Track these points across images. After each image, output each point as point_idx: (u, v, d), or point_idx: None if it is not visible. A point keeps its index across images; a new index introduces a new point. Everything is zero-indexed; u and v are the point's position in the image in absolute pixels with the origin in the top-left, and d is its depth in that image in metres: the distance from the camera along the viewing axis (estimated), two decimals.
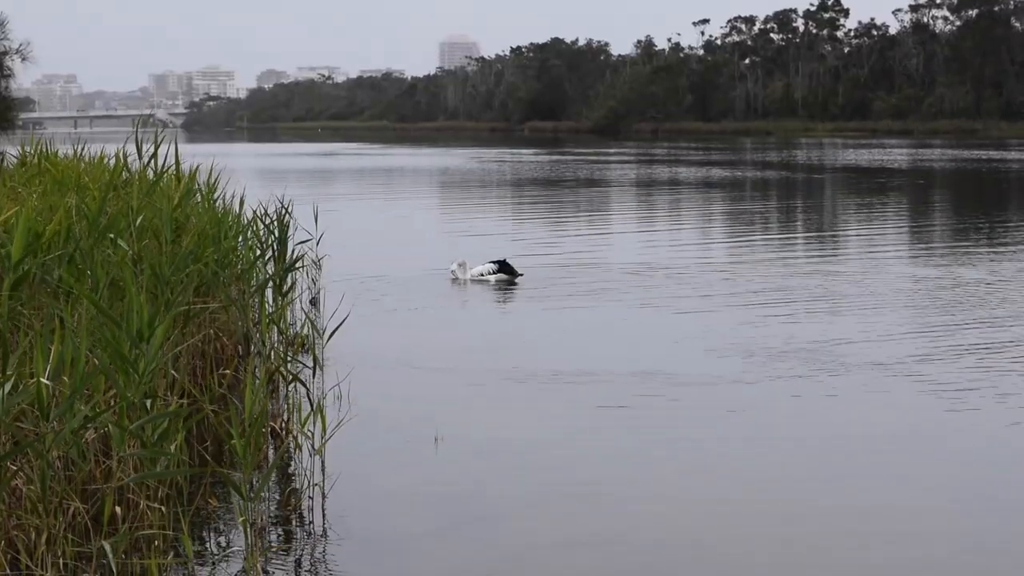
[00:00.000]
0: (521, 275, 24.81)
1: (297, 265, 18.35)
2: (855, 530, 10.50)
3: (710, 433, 13.44)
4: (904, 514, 10.96)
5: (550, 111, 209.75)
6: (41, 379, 8.83)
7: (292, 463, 12.05)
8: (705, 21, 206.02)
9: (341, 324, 14.99)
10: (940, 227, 38.91)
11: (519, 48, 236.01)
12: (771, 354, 17.14)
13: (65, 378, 9.45)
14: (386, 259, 28.46)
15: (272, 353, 14.78)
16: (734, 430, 13.55)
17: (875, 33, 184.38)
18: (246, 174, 57.51)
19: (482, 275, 24.80)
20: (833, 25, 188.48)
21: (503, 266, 24.77)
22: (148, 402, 9.74)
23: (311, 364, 15.59)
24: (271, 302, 17.03)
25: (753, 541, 10.27)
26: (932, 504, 11.25)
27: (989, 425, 13.72)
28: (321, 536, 10.20)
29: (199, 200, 18.16)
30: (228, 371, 14.04)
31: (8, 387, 8.73)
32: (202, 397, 11.99)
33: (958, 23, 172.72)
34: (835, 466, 12.32)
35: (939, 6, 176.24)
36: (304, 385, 12.98)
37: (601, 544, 10.16)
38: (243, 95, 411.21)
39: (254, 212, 19.00)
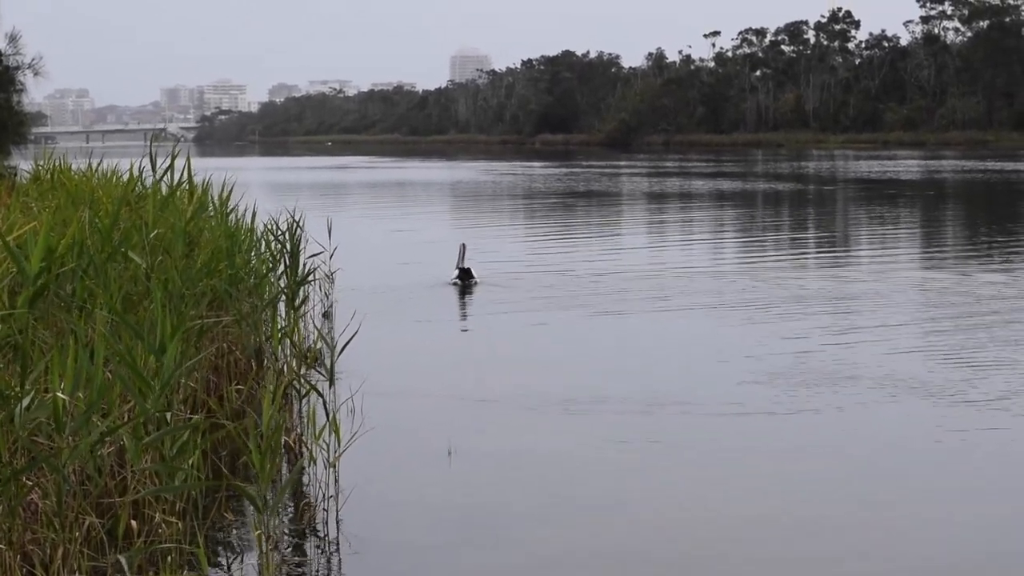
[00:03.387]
0: (476, 282, 26.53)
1: (309, 278, 18.39)
2: (878, 547, 10.50)
3: (727, 449, 13.43)
4: (933, 531, 10.96)
5: (561, 124, 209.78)
6: (58, 393, 8.85)
7: (306, 477, 12.07)
8: (716, 33, 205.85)
9: (353, 337, 15.02)
10: (952, 239, 38.85)
11: (530, 61, 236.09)
12: (783, 368, 17.11)
13: (80, 394, 9.47)
14: (398, 272, 28.50)
15: (285, 367, 14.82)
16: (751, 445, 13.54)
17: (886, 44, 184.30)
18: (258, 188, 57.60)
19: (451, 279, 26.78)
20: (844, 37, 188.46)
21: (462, 273, 26.82)
22: (167, 416, 9.77)
23: (324, 377, 15.60)
24: (284, 316, 17.07)
25: (767, 557, 10.27)
26: (959, 522, 11.25)
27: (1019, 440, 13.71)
28: (335, 549, 10.23)
29: (212, 214, 18.22)
30: (242, 385, 14.07)
31: (26, 402, 8.76)
32: (217, 411, 12.02)
33: (969, 34, 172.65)
34: (858, 483, 12.28)
35: (950, 17, 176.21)
36: (321, 396, 13.02)
37: (614, 559, 10.16)
38: (254, 109, 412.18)
39: (266, 226, 19.05)
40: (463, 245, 27.38)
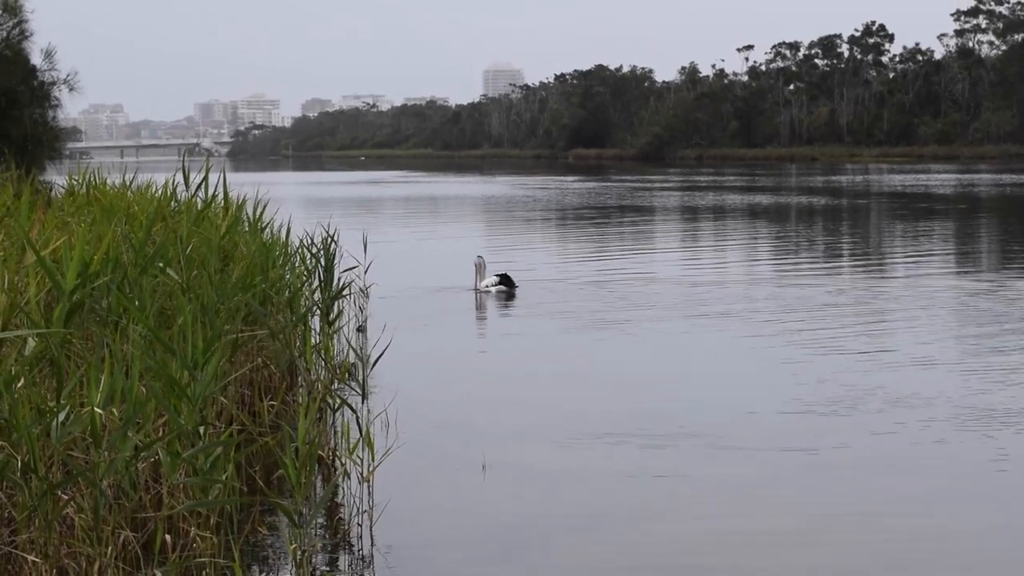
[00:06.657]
0: (517, 287, 26.70)
1: (344, 293, 18.40)
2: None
3: (759, 466, 13.35)
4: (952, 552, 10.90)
5: (594, 138, 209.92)
6: (95, 408, 8.87)
7: (340, 491, 12.08)
8: (749, 47, 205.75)
9: (385, 351, 15.02)
10: (988, 252, 38.63)
11: (563, 75, 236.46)
12: (818, 387, 17.03)
13: (113, 409, 9.49)
14: (432, 285, 28.47)
15: (319, 381, 14.82)
16: (784, 463, 13.47)
17: (920, 58, 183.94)
18: (293, 202, 57.76)
19: (487, 287, 26.72)
20: (878, 50, 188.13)
21: (504, 279, 26.69)
22: (201, 430, 9.78)
23: (358, 392, 15.61)
24: (318, 330, 17.08)
25: (798, 571, 10.22)
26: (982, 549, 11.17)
27: None
28: (369, 564, 10.21)
29: (246, 229, 18.26)
30: (276, 400, 14.08)
31: (62, 416, 8.79)
32: (252, 425, 12.04)
33: (1004, 47, 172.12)
34: (903, 513, 12.21)
35: (984, 31, 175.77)
36: (354, 411, 13.01)
37: (650, 573, 10.12)
38: (288, 124, 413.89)
39: (300, 241, 19.09)
40: (480, 258, 27.45)
